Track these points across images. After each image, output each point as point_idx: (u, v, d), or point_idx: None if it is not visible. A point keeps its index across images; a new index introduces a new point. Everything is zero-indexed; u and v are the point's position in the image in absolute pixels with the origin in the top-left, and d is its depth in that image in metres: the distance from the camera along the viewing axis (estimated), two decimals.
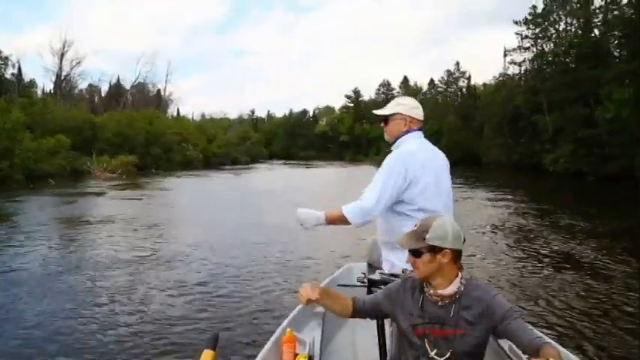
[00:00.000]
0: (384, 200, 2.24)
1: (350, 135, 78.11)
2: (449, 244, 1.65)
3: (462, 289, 1.69)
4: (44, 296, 5.64)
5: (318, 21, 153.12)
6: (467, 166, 36.05)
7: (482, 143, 47.84)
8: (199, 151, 43.77)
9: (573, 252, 8.38)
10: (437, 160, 2.39)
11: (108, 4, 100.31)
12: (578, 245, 8.89)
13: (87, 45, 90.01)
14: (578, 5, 36.42)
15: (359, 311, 1.92)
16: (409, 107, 2.43)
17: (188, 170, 34.36)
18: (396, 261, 2.31)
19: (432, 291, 1.72)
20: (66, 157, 27.04)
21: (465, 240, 1.70)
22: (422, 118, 2.45)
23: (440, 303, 1.70)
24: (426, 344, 1.69)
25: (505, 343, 2.59)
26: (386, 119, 2.47)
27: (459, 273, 1.71)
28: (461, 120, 55.36)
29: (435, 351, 1.67)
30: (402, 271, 2.16)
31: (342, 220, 2.28)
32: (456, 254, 1.68)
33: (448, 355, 1.66)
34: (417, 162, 2.28)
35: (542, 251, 8.43)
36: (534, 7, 40.74)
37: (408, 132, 2.41)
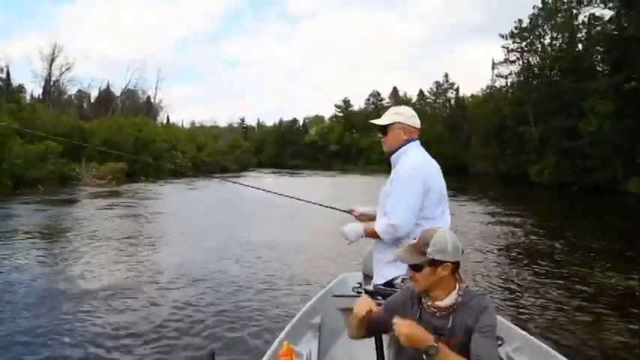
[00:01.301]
0: (412, 215, 2.24)
1: (339, 144, 78.44)
2: (450, 257, 1.67)
3: (460, 300, 1.70)
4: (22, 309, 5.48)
5: (309, 32, 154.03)
6: (453, 177, 36.28)
7: (470, 154, 48.51)
8: (189, 158, 43.73)
9: (555, 257, 8.69)
10: (439, 169, 2.40)
11: (100, 10, 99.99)
12: (562, 252, 9.21)
13: (77, 51, 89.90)
14: (562, 20, 37.29)
15: (368, 331, 1.90)
16: (408, 116, 2.41)
17: (177, 178, 34.31)
18: (393, 270, 2.30)
19: (429, 302, 1.73)
20: (55, 163, 26.92)
21: (463, 251, 1.73)
22: (419, 126, 2.43)
23: (438, 314, 1.71)
24: (423, 356, 1.66)
25: (502, 351, 2.63)
26: (384, 129, 2.42)
27: (457, 284, 1.73)
28: (449, 130, 56.04)
29: None
30: (402, 281, 2.20)
31: (377, 235, 2.33)
32: (456, 266, 1.70)
33: None
34: (430, 172, 2.31)
35: (525, 259, 8.71)
36: (520, 20, 41.70)
37: (408, 141, 2.38)
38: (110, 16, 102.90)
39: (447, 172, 2.50)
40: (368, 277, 2.79)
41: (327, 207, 3.15)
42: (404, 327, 1.61)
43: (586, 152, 27.48)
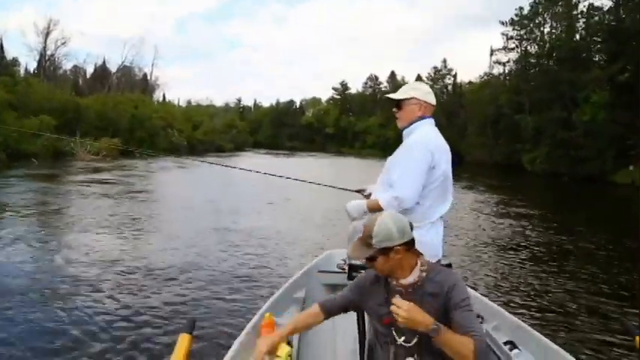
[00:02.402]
0: (416, 187, 2.20)
1: (335, 127, 78.24)
2: (397, 241, 1.65)
3: (424, 275, 1.70)
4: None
5: (309, 13, 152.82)
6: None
7: (465, 141, 48.61)
8: (184, 137, 43.71)
9: (544, 244, 8.90)
10: (448, 151, 2.35)
11: None
12: (549, 239, 9.45)
13: (73, 26, 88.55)
14: (562, 9, 37.15)
15: (330, 313, 1.94)
16: (424, 92, 2.37)
17: (172, 155, 34.39)
18: None
19: (394, 282, 1.74)
20: (49, 138, 26.88)
21: (412, 227, 1.71)
22: (434, 104, 2.39)
23: (404, 292, 1.71)
24: (393, 332, 1.70)
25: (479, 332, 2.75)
26: (399, 104, 2.39)
27: (418, 260, 1.73)
28: (445, 117, 56.03)
29: (402, 338, 1.68)
30: None
31: (381, 209, 2.20)
32: (408, 245, 1.68)
33: (415, 340, 1.67)
34: (439, 150, 2.27)
35: (512, 245, 8.93)
36: (521, 8, 41.48)
37: (422, 118, 2.34)
38: None
39: None
40: None
41: (338, 188, 3.13)
42: (404, 309, 1.57)
43: (579, 142, 27.70)
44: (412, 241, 1.70)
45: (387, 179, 2.33)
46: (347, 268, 2.55)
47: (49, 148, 26.47)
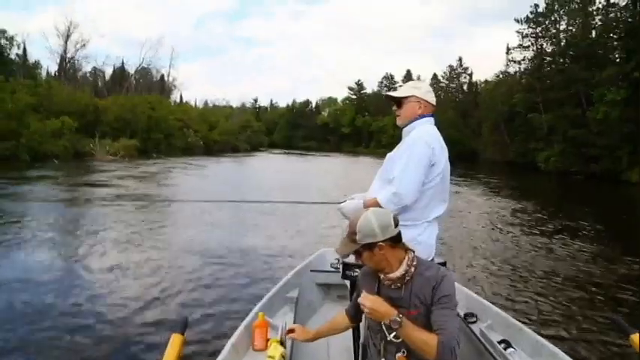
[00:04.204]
0: (417, 184, 2.19)
1: (351, 127, 78.33)
2: (380, 237, 1.67)
3: (412, 269, 1.70)
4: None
5: (326, 12, 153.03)
6: (462, 163, 36.31)
7: (480, 140, 48.35)
8: (200, 137, 44.36)
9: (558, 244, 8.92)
10: (446, 150, 2.34)
11: None
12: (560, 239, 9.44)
13: (92, 28, 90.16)
14: (578, 6, 36.70)
15: (354, 316, 2.00)
16: (424, 91, 2.39)
17: (188, 156, 34.96)
18: None
19: (383, 276, 1.75)
20: (70, 139, 27.66)
21: (397, 224, 1.72)
22: (435, 103, 2.41)
23: (393, 286, 1.72)
24: (384, 328, 1.70)
25: (476, 327, 2.71)
26: (399, 102, 2.40)
27: (406, 255, 1.74)
28: (460, 116, 55.76)
29: (392, 334, 1.67)
30: None
31: (379, 206, 2.17)
32: (392, 240, 1.70)
33: None
34: (439, 148, 2.26)
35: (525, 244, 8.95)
36: (536, 5, 41.07)
37: (422, 116, 2.35)
38: None
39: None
40: None
41: (320, 203, 3.24)
42: (367, 301, 1.65)
43: (593, 141, 27.46)
44: (397, 237, 1.72)
45: (385, 177, 2.33)
46: (340, 266, 2.52)
47: (69, 150, 27.23)
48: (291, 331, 2.09)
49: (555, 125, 32.70)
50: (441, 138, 2.32)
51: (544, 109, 35.73)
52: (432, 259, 2.22)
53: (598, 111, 26.63)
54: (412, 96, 2.35)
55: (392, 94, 2.42)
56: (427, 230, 2.27)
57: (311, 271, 3.59)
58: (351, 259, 2.23)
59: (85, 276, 5.82)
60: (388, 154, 2.41)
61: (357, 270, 2.15)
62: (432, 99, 2.39)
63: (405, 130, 2.38)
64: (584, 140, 28.29)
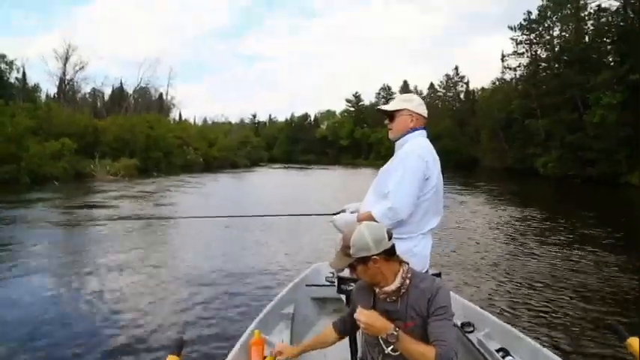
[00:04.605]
0: (412, 198, 2.19)
1: (350, 139, 78.60)
2: (374, 250, 1.67)
3: (407, 282, 1.71)
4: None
5: (321, 26, 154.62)
6: (462, 171, 36.40)
7: (479, 147, 48.50)
8: (200, 154, 44.52)
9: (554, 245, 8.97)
10: (439, 163, 2.35)
11: (112, 10, 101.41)
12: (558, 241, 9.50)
13: (90, 50, 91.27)
14: (570, 11, 37.02)
15: (343, 331, 2.01)
16: (416, 104, 2.40)
17: (188, 173, 35.06)
18: None
19: (378, 290, 1.76)
20: (70, 161, 27.73)
21: (391, 237, 1.72)
22: (426, 115, 2.42)
23: (388, 299, 1.73)
24: (380, 341, 1.69)
25: (474, 337, 2.71)
26: (391, 116, 2.42)
27: (401, 267, 1.74)
28: (458, 124, 55.99)
29: (390, 347, 1.66)
30: None
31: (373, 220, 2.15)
32: (387, 253, 1.70)
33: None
34: (433, 158, 2.27)
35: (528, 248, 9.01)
36: (529, 12, 41.47)
37: (414, 130, 2.37)
38: (122, 15, 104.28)
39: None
40: None
41: (312, 215, 3.11)
42: (363, 316, 1.64)
43: (589, 144, 27.52)
44: (392, 250, 1.73)
45: (380, 190, 2.32)
46: (336, 280, 2.51)
47: (70, 171, 27.28)
48: (279, 352, 2.10)
49: (552, 130, 32.81)
50: (433, 151, 2.33)
51: (541, 115, 35.87)
52: (427, 271, 2.24)
53: (595, 114, 26.72)
54: (404, 109, 2.38)
55: (384, 107, 2.43)
56: (422, 242, 2.28)
57: (306, 285, 3.57)
58: (347, 272, 2.24)
59: (79, 297, 5.80)
60: (382, 168, 2.41)
61: (352, 284, 2.15)
62: (424, 112, 2.41)
63: (397, 143, 2.40)
64: (581, 144, 28.35)
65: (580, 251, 8.53)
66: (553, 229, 11.03)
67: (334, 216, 2.47)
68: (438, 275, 2.33)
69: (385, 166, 2.40)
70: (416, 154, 2.23)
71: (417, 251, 2.21)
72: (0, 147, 23.46)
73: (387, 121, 2.44)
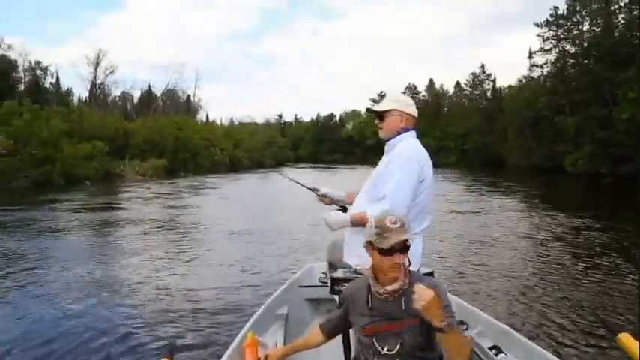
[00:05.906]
0: (406, 200, 2.22)
1: (376, 139, 77.99)
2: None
3: (407, 282, 1.73)
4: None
5: (344, 27, 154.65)
6: (489, 169, 35.86)
7: (506, 145, 47.77)
8: (227, 155, 45.30)
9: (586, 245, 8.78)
10: (430, 162, 2.36)
11: (140, 16, 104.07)
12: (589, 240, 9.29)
13: (120, 55, 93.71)
14: (600, 5, 36.14)
15: (331, 332, 2.01)
16: (405, 104, 2.41)
17: (214, 174, 35.71)
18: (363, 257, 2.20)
19: (379, 289, 1.74)
20: (101, 162, 28.77)
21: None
22: (416, 115, 2.43)
23: (390, 299, 1.73)
24: (375, 343, 1.71)
25: (467, 335, 2.64)
26: (381, 116, 2.43)
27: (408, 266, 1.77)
28: (486, 122, 55.23)
29: (386, 347, 1.68)
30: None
31: (365, 223, 2.09)
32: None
33: (397, 348, 1.69)
34: (426, 163, 2.29)
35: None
36: (556, 7, 40.63)
37: (405, 130, 2.38)
38: (150, 20, 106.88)
39: (483, 165, 2.39)
40: (333, 266, 2.68)
41: (297, 183, 3.15)
42: (427, 295, 1.52)
43: (619, 141, 26.83)
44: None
45: (374, 193, 2.34)
46: (329, 281, 2.49)
47: (101, 171, 28.31)
48: (266, 357, 2.09)
49: (582, 127, 32.08)
50: (425, 152, 2.36)
51: (570, 111, 35.12)
52: (418, 270, 2.28)
53: (625, 110, 26.05)
54: (394, 109, 2.39)
55: (373, 107, 2.48)
56: (415, 242, 2.25)
57: (299, 286, 3.58)
58: (339, 273, 2.36)
59: (70, 300, 5.62)
60: (374, 171, 2.44)
61: (345, 284, 2.17)
62: (414, 112, 2.42)
63: (389, 143, 2.43)
64: (611, 141, 27.66)
65: (581, 248, 8.43)
66: (569, 228, 10.79)
67: (326, 215, 2.44)
68: (431, 274, 2.38)
69: (378, 167, 2.44)
70: (412, 157, 2.27)
71: (411, 251, 2.25)
72: (37, 150, 24.65)
73: (377, 121, 2.46)
